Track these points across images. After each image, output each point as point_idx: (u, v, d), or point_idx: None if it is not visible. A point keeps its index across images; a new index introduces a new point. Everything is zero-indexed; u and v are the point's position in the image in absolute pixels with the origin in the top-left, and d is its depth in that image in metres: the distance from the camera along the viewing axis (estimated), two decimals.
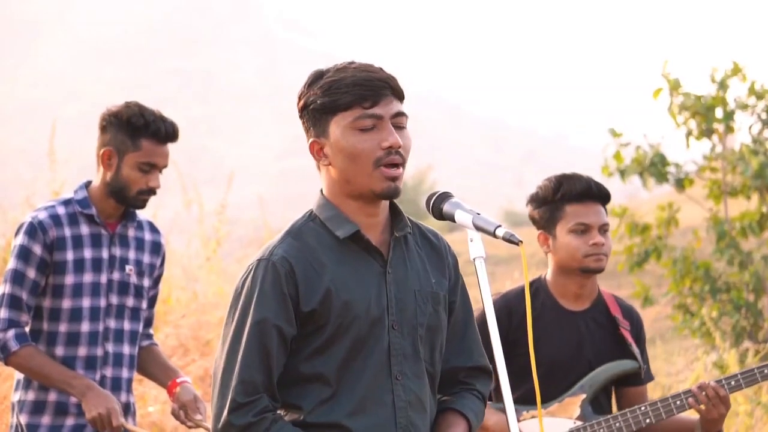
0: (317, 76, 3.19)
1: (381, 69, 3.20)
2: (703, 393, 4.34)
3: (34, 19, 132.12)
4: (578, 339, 4.43)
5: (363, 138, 3.14)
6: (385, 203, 3.24)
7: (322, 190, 3.25)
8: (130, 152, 4.57)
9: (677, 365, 10.62)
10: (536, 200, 4.51)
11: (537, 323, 4.36)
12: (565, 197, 4.44)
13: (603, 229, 4.44)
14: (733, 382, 4.38)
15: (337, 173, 3.18)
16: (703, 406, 4.35)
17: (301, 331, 3.14)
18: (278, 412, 3.15)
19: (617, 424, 4.38)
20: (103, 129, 4.63)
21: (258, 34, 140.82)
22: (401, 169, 3.16)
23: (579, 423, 4.41)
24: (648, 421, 4.38)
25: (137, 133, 4.57)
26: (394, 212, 3.26)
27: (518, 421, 4.39)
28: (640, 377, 4.51)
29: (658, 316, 11.73)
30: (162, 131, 4.59)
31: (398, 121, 3.17)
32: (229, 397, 3.10)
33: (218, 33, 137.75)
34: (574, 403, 4.42)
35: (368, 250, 3.20)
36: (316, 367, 3.14)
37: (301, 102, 3.21)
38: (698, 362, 9.84)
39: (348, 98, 3.13)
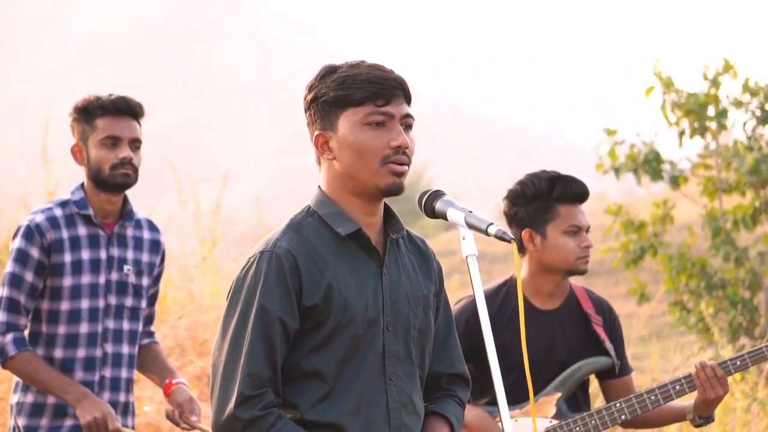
0: (330, 70, 3.18)
1: (392, 70, 3.20)
2: (703, 372, 4.34)
3: (29, 17, 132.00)
4: (551, 338, 4.42)
5: (372, 135, 3.13)
6: (381, 205, 3.23)
7: (320, 186, 3.23)
8: (90, 135, 4.61)
9: (674, 362, 10.61)
10: (524, 196, 4.45)
11: (509, 326, 4.35)
12: (561, 198, 4.42)
13: (588, 230, 4.47)
14: (738, 362, 4.37)
15: (341, 168, 3.16)
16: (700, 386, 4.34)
17: (301, 327, 3.13)
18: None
19: (593, 422, 4.38)
20: (72, 132, 4.69)
21: (253, 31, 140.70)
22: (406, 167, 3.16)
23: (555, 422, 4.41)
24: (623, 417, 4.39)
25: (90, 116, 4.62)
26: (388, 214, 3.25)
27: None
28: (615, 371, 4.50)
29: (654, 312, 11.71)
30: (109, 104, 4.62)
31: (406, 121, 3.18)
32: (236, 390, 3.07)
33: (214, 30, 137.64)
34: (549, 402, 4.41)
35: (367, 249, 3.19)
36: (313, 364, 3.13)
37: (311, 94, 3.19)
38: (695, 358, 9.84)
39: (362, 94, 3.13)
